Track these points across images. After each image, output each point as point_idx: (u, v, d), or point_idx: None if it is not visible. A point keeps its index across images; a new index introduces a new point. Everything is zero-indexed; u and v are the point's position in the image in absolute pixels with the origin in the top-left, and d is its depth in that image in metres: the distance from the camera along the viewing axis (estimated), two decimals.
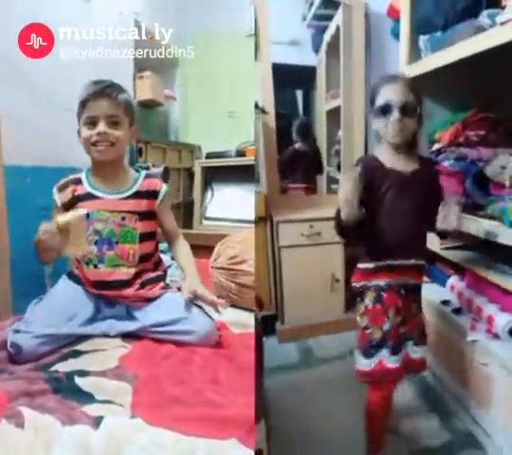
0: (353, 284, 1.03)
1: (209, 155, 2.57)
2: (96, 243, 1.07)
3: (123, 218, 1.09)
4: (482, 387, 1.13)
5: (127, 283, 1.09)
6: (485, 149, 1.28)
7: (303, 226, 1.74)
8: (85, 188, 1.09)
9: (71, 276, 1.13)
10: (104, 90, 1.03)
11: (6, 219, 1.25)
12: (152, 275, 1.14)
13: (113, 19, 1.89)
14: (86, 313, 1.05)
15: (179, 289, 1.13)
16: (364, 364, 0.99)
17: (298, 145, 2.14)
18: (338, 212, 0.93)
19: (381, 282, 0.98)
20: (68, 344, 0.97)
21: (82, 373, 0.85)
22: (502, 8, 1.01)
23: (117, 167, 1.12)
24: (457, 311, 1.30)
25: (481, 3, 1.17)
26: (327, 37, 2.11)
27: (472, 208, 1.24)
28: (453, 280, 1.39)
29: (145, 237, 1.12)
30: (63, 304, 1.05)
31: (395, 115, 0.92)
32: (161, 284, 1.14)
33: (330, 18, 2.04)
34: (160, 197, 1.14)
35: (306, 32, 2.18)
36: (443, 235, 1.12)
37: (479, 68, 1.24)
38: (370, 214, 0.94)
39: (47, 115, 1.45)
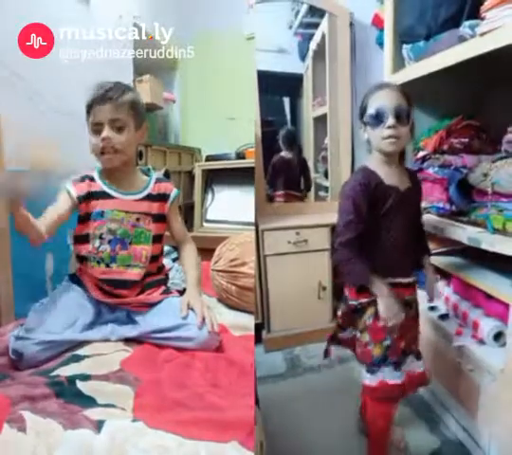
0: (350, 302, 1.01)
1: (208, 158, 2.56)
2: (109, 242, 1.07)
3: (138, 219, 1.10)
4: (469, 393, 1.13)
5: (136, 284, 1.09)
6: (469, 156, 1.30)
7: (290, 233, 1.74)
8: (100, 186, 1.08)
9: (73, 279, 1.12)
10: (106, 94, 1.01)
11: (7, 223, 1.24)
12: (154, 278, 1.14)
13: (112, 22, 1.88)
14: (87, 317, 1.05)
15: (180, 293, 1.14)
16: (369, 379, 0.98)
17: (284, 153, 2.15)
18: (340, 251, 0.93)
19: None
20: (69, 349, 0.97)
21: (84, 378, 0.84)
22: (482, 19, 1.03)
23: (127, 169, 1.11)
24: (444, 317, 1.30)
25: (462, 14, 1.19)
26: (313, 45, 2.13)
27: (456, 214, 1.26)
28: (440, 285, 1.40)
29: (156, 239, 1.13)
30: (64, 310, 1.03)
31: (390, 120, 0.88)
32: (162, 289, 1.14)
33: (316, 26, 2.06)
34: (171, 200, 1.15)
35: (293, 40, 2.20)
36: None
37: (462, 77, 1.26)
38: (370, 233, 0.93)
39: (48, 119, 1.45)
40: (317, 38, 2.08)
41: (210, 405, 0.76)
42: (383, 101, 0.90)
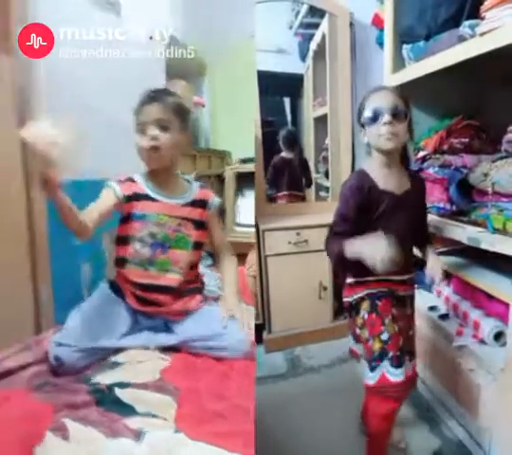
0: (345, 300, 1.02)
1: (245, 160, 2.54)
2: (151, 245, 1.06)
3: (179, 224, 1.08)
4: (469, 393, 1.13)
5: (173, 290, 1.08)
6: (469, 156, 1.30)
7: (290, 233, 1.74)
8: (143, 189, 1.07)
9: (111, 286, 1.11)
10: (153, 95, 1.04)
11: (47, 232, 1.25)
12: (191, 286, 1.13)
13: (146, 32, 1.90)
14: (125, 325, 1.04)
15: (216, 300, 1.14)
16: (368, 377, 0.98)
17: (284, 154, 2.15)
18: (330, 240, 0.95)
19: (374, 290, 0.98)
20: (107, 355, 0.97)
21: (123, 385, 0.84)
22: (482, 19, 1.03)
23: (170, 173, 1.11)
24: (444, 317, 1.30)
25: (462, 14, 1.19)
26: (313, 45, 2.13)
27: (456, 214, 1.26)
28: (440, 285, 1.40)
29: (196, 246, 1.12)
30: (102, 316, 1.03)
31: (386, 117, 0.90)
32: (199, 297, 1.13)
33: (316, 26, 2.06)
34: (212, 208, 1.14)
35: (293, 40, 2.20)
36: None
37: (462, 76, 1.26)
38: (360, 233, 0.93)
39: (97, 131, 1.48)
40: (317, 38, 2.09)
41: (248, 417, 0.76)
42: (379, 102, 0.92)
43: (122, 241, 1.08)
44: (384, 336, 0.95)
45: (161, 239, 1.07)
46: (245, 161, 2.52)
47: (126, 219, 1.07)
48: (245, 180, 2.49)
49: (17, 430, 0.66)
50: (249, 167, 2.41)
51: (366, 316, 0.98)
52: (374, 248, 0.81)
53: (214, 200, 1.15)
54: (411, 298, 1.07)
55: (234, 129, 2.68)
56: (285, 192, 2.14)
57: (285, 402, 1.38)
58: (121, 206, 1.04)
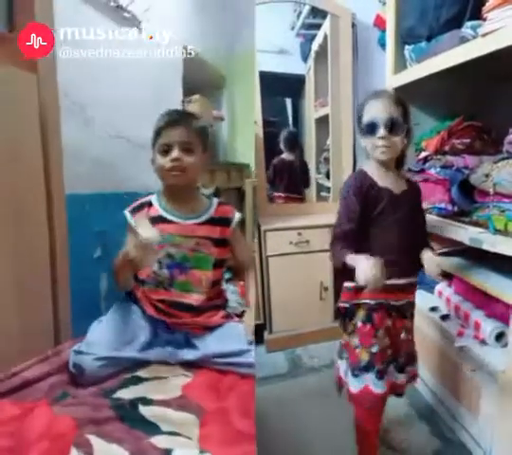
0: (341, 305, 1.01)
1: None
2: (168, 267, 1.05)
3: (197, 243, 1.07)
4: (470, 393, 1.13)
5: (194, 308, 1.06)
6: (471, 157, 1.30)
7: (292, 233, 1.74)
8: (158, 210, 1.07)
9: (129, 297, 1.10)
10: (179, 118, 1.05)
11: (67, 245, 1.25)
12: (213, 302, 1.11)
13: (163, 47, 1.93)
14: (144, 337, 1.03)
15: (238, 316, 1.12)
16: (352, 384, 0.98)
17: (285, 155, 2.16)
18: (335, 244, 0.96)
19: (372, 300, 0.96)
20: (127, 369, 0.95)
21: (146, 402, 0.82)
22: (484, 20, 1.04)
23: (189, 193, 1.10)
24: (445, 317, 1.30)
25: (464, 15, 1.19)
26: (315, 46, 2.13)
27: (458, 215, 1.26)
28: (441, 286, 1.40)
29: (218, 264, 1.10)
30: (122, 327, 1.02)
31: (382, 131, 0.91)
32: (222, 313, 1.11)
33: (318, 27, 2.07)
34: (233, 224, 1.12)
35: (295, 41, 2.20)
36: None
37: (464, 77, 1.26)
38: (362, 233, 0.94)
39: (102, 143, 1.49)
40: (319, 39, 2.09)
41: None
42: (376, 113, 0.93)
43: None
44: (374, 349, 0.95)
45: (179, 259, 1.06)
46: None
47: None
48: None
49: (43, 445, 0.65)
50: None
51: (359, 324, 0.97)
52: (362, 270, 0.82)
53: (235, 216, 1.13)
54: (411, 305, 1.04)
55: (252, 142, 2.70)
56: (282, 194, 2.15)
57: (286, 402, 1.38)
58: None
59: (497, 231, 1.06)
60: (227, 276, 1.50)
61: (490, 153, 1.31)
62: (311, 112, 2.24)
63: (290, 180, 2.16)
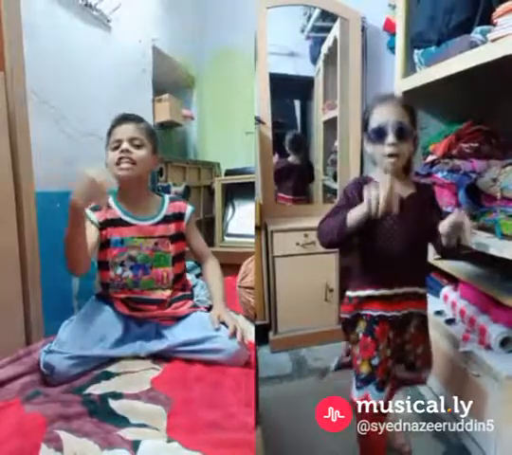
0: (342, 316, 0.99)
1: (228, 172, 2.59)
2: (131, 268, 1.09)
3: (156, 243, 1.10)
4: (474, 399, 1.13)
5: (162, 302, 1.10)
6: (479, 161, 1.30)
7: (298, 235, 1.75)
8: (117, 213, 1.10)
9: (100, 297, 1.13)
10: (127, 116, 1.09)
11: (38, 243, 1.27)
12: (180, 294, 1.15)
13: (132, 46, 1.96)
14: (116, 333, 1.05)
15: (208, 309, 1.14)
16: (354, 392, 0.98)
17: (291, 158, 2.16)
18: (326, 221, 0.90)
19: (374, 312, 0.94)
20: (98, 366, 0.97)
21: (116, 396, 0.84)
22: (494, 25, 1.04)
23: (141, 191, 1.13)
24: (450, 321, 1.30)
25: (474, 20, 1.20)
26: (325, 49, 2.14)
27: None
28: (447, 290, 1.40)
29: (177, 259, 1.14)
30: (93, 326, 1.04)
31: (391, 138, 0.87)
32: (190, 303, 1.15)
33: (328, 30, 2.07)
34: (187, 219, 1.16)
35: (305, 44, 2.21)
36: (447, 254, 1.05)
37: (473, 82, 1.26)
38: (364, 239, 0.92)
39: (73, 141, 1.52)
40: (328, 42, 2.10)
41: (243, 425, 0.75)
42: (384, 118, 0.89)
43: (104, 266, 1.10)
44: (374, 362, 0.94)
45: (141, 260, 1.09)
46: (232, 173, 2.54)
47: (104, 245, 1.09)
48: (236, 191, 2.51)
49: (13, 443, 0.66)
50: (237, 178, 2.44)
51: (361, 336, 0.95)
52: (371, 190, 0.75)
53: (188, 210, 1.17)
54: (418, 316, 1.01)
55: (224, 140, 2.72)
56: (290, 197, 2.15)
57: (290, 402, 1.39)
58: (99, 232, 1.07)
59: (504, 236, 1.06)
60: (197, 271, 1.53)
61: (498, 157, 1.31)
62: (319, 114, 2.25)
63: (296, 184, 2.17)
